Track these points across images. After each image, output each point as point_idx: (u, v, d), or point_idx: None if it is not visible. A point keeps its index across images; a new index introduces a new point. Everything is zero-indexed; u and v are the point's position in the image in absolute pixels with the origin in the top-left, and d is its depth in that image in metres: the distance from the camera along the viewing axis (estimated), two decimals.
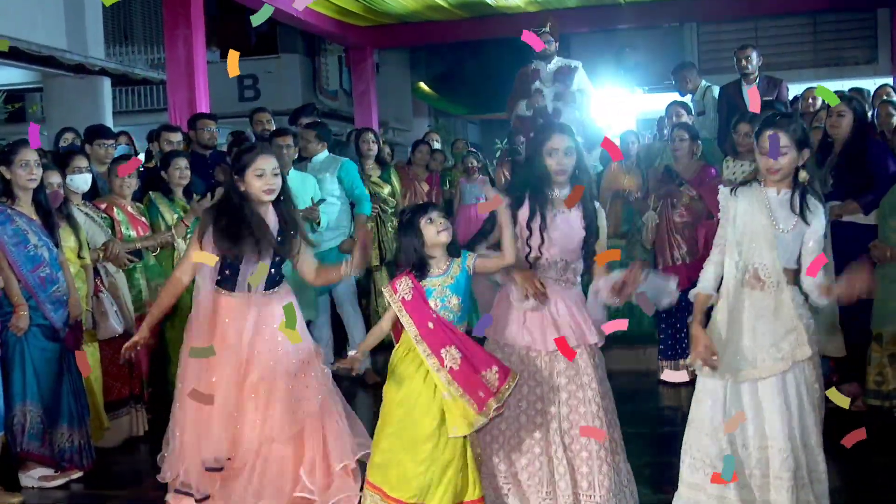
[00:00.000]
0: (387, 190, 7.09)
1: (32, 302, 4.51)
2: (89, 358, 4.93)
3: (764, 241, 3.25)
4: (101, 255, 5.14)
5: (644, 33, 13.85)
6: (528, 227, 3.53)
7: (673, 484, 3.58)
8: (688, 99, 7.79)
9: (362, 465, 3.67)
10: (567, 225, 3.53)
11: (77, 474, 4.63)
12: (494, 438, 3.53)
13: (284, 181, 3.75)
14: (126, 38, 16.82)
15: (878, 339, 5.11)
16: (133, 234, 5.42)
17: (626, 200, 7.42)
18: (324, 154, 6.47)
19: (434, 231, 3.37)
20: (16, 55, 8.97)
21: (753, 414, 3.30)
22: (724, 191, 3.39)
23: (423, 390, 3.33)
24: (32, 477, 4.57)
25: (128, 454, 5.12)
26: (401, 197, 7.40)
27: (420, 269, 3.40)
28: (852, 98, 5.42)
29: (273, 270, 3.73)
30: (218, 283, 3.71)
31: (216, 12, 13.68)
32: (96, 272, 5.14)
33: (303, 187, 6.03)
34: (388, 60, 18.01)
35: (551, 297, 3.50)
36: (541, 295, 3.42)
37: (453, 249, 3.43)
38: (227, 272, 3.70)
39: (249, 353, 3.65)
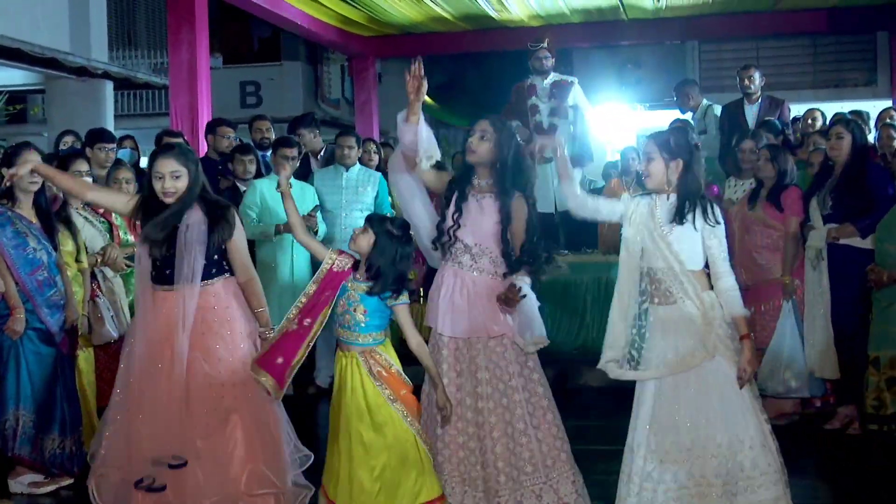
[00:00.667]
0: (390, 200, 7.08)
1: (29, 305, 4.47)
2: (83, 363, 4.92)
3: (654, 244, 3.40)
4: (98, 260, 5.10)
5: (646, 50, 13.86)
6: (443, 213, 3.69)
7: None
8: (688, 116, 7.78)
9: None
10: (479, 211, 3.63)
11: (67, 481, 4.57)
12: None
13: (196, 179, 3.72)
14: (129, 41, 16.80)
15: (874, 362, 5.07)
16: (131, 238, 5.37)
17: None
18: (357, 166, 6.53)
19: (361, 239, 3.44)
20: (18, 56, 8.93)
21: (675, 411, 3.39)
22: (625, 197, 3.59)
23: (353, 396, 3.39)
24: (22, 483, 4.52)
25: None
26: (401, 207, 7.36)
27: (356, 266, 3.48)
28: (850, 121, 5.42)
29: (206, 263, 3.68)
30: (152, 278, 3.73)
31: (219, 18, 13.67)
32: (93, 277, 5.10)
33: (302, 197, 6.06)
34: (390, 70, 17.99)
35: (461, 284, 3.61)
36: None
37: (386, 283, 3.41)
38: (159, 268, 3.71)
39: (191, 346, 3.62)
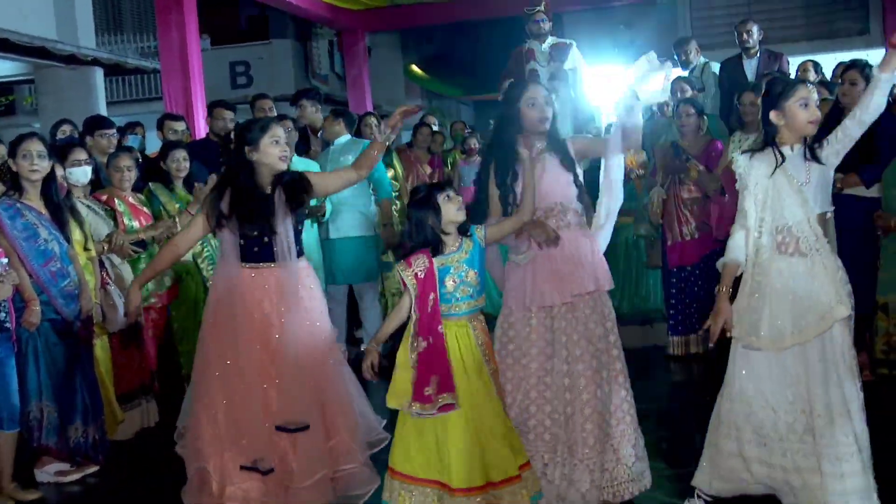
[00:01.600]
0: (390, 174, 7.04)
1: (44, 297, 4.44)
2: (99, 350, 4.91)
3: (790, 198, 3.30)
4: (105, 248, 5.08)
5: (638, 11, 13.77)
6: (507, 185, 3.64)
7: (689, 457, 3.58)
8: (685, 73, 7.73)
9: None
10: (552, 168, 3.65)
11: (92, 469, 4.58)
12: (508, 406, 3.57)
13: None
14: (115, 26, 16.63)
15: (884, 308, 5.12)
16: (136, 224, 5.36)
17: (628, 178, 7.38)
18: (346, 137, 6.47)
19: (453, 208, 3.37)
20: (6, 47, 8.83)
21: (794, 381, 3.32)
22: (740, 158, 3.43)
23: (461, 371, 3.34)
24: (48, 472, 4.53)
25: (140, 446, 5.08)
26: (403, 180, 7.36)
27: (435, 246, 3.38)
28: (865, 66, 5.34)
29: (294, 240, 3.72)
30: (242, 258, 3.69)
31: None
32: (101, 264, 5.08)
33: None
34: (380, 43, 17.89)
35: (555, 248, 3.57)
36: (553, 241, 3.51)
37: (462, 227, 3.44)
38: (251, 247, 3.68)
39: (281, 328, 3.65)
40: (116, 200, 5.36)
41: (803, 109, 3.30)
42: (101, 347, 4.93)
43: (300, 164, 6.09)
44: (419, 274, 3.33)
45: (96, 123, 6.11)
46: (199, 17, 8.73)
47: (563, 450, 3.57)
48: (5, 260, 4.27)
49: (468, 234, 3.44)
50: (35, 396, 4.43)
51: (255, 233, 3.65)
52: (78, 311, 4.58)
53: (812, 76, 7.19)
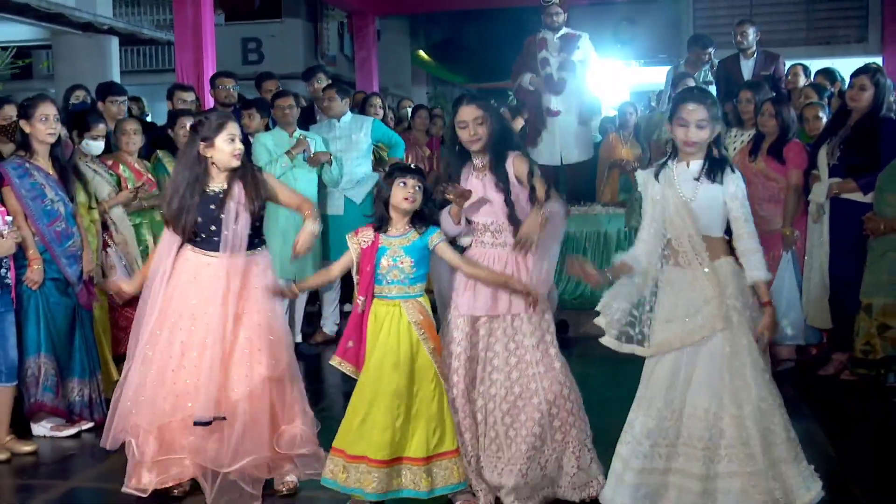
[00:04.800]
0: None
1: (47, 256, 4.41)
2: (98, 311, 4.88)
3: (674, 212, 3.19)
4: (106, 208, 5.04)
5: (641, 7, 13.68)
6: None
7: None
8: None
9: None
10: (484, 190, 3.52)
11: (88, 424, 4.57)
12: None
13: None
14: None
15: (867, 309, 5.07)
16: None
17: (623, 170, 7.37)
18: (349, 114, 6.44)
19: (401, 195, 3.39)
20: (24, 12, 8.78)
21: (683, 385, 3.17)
22: (639, 172, 3.37)
23: (392, 345, 3.34)
24: (44, 427, 4.51)
25: None
26: (403, 161, 7.32)
27: (381, 223, 3.44)
28: (876, 71, 5.27)
29: (251, 233, 3.66)
30: (195, 243, 3.64)
31: None
32: (104, 227, 5.05)
33: (311, 146, 6.08)
34: (389, 28, 17.79)
35: (489, 261, 3.50)
36: (463, 194, 3.43)
37: (419, 221, 3.44)
38: (201, 235, 3.63)
39: (236, 312, 3.59)
40: (121, 166, 5.32)
41: (679, 129, 3.18)
42: (99, 308, 4.90)
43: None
44: (363, 244, 3.43)
45: (108, 89, 6.09)
46: None
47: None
48: (10, 218, 4.24)
49: (423, 228, 3.42)
50: (34, 352, 4.41)
51: (208, 226, 3.59)
52: (80, 272, 4.55)
53: (802, 80, 7.17)
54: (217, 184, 3.65)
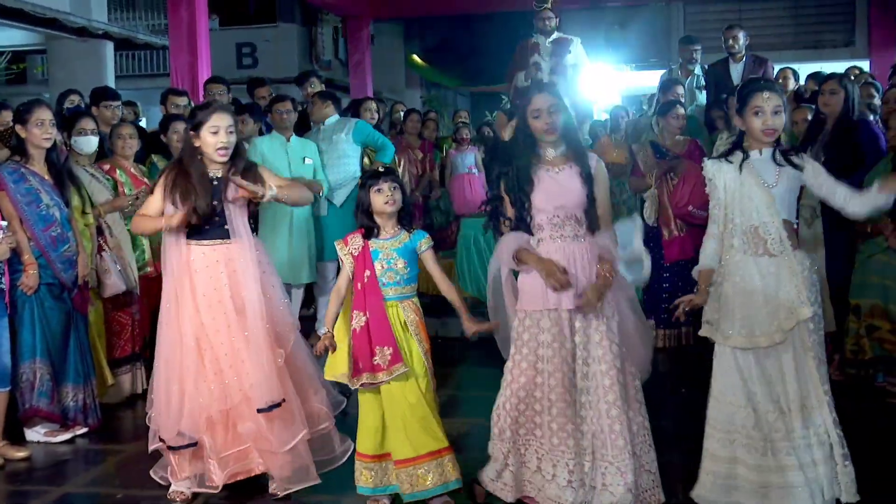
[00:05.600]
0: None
1: (42, 260, 4.38)
2: (93, 315, 4.85)
3: (758, 199, 3.21)
4: (102, 212, 5.01)
5: (633, 12, 13.70)
6: (520, 193, 3.35)
7: (663, 444, 3.49)
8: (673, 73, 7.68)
9: None
10: (567, 180, 3.35)
11: (81, 430, 4.53)
12: (507, 400, 3.36)
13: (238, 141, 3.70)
14: (128, 3, 16.47)
15: (855, 310, 5.11)
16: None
17: (614, 173, 7.35)
18: (335, 117, 6.41)
19: (381, 200, 3.40)
20: (20, 16, 8.73)
21: (770, 379, 3.24)
22: (709, 162, 3.34)
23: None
24: (38, 432, 4.47)
25: (129, 410, 5.03)
26: (396, 164, 7.30)
27: (368, 230, 3.44)
28: (843, 76, 5.34)
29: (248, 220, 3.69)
30: (188, 235, 3.63)
31: None
32: (99, 231, 5.01)
33: (303, 151, 6.10)
34: (383, 32, 17.77)
35: (571, 255, 3.31)
36: (565, 285, 3.25)
37: (405, 221, 3.47)
38: (199, 225, 3.61)
39: (238, 301, 3.60)
40: (118, 171, 5.30)
41: (756, 118, 3.21)
42: (94, 312, 4.87)
43: (297, 143, 6.08)
44: (354, 252, 3.42)
45: (102, 95, 6.05)
46: None
47: (580, 451, 3.27)
48: (5, 223, 4.20)
49: (409, 230, 3.44)
50: (29, 357, 4.38)
51: (201, 213, 3.58)
52: (75, 277, 4.52)
53: (791, 84, 7.19)
54: (212, 171, 3.66)
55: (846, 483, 3.22)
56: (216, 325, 3.58)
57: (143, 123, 7.68)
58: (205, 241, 3.64)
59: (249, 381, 3.54)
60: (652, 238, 6.33)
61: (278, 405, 3.53)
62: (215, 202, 3.60)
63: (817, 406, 3.22)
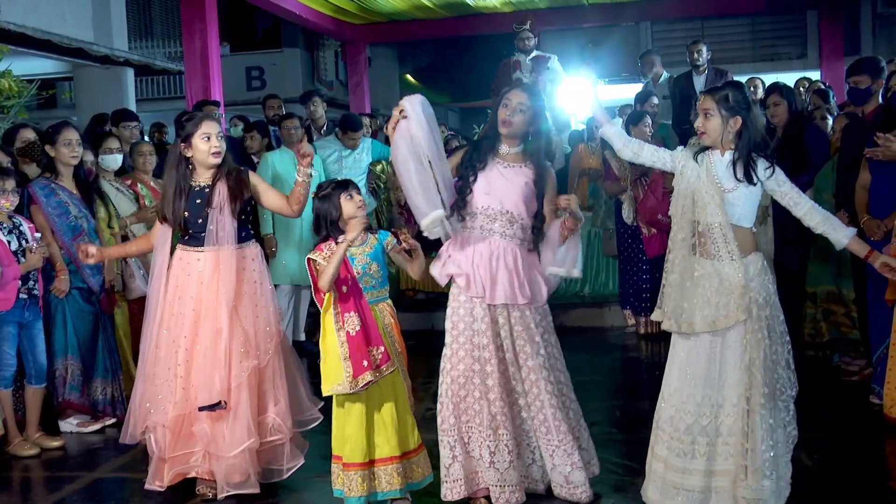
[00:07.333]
0: (378, 167, 7.02)
1: (72, 267, 4.40)
2: (119, 316, 4.87)
3: (709, 199, 2.96)
4: (129, 223, 5.02)
5: (605, 31, 13.72)
6: (468, 170, 3.21)
7: (637, 422, 3.43)
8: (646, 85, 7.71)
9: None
10: (514, 177, 3.22)
11: (111, 421, 4.53)
12: (444, 393, 3.24)
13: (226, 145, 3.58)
14: (147, 32, 16.46)
15: (812, 297, 5.15)
16: None
17: (591, 178, 7.38)
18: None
19: (353, 206, 3.18)
20: (48, 47, 8.72)
21: (708, 382, 2.97)
22: (681, 150, 3.12)
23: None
24: (71, 423, 4.49)
25: None
26: (390, 173, 7.32)
27: (336, 237, 3.19)
28: (783, 88, 5.36)
29: (238, 227, 3.50)
30: (185, 241, 3.54)
31: (226, 9, 13.38)
32: (125, 239, 5.01)
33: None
34: (379, 54, 17.77)
35: (496, 250, 3.19)
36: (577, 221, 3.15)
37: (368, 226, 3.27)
38: (190, 232, 3.52)
39: (200, 308, 3.45)
40: (139, 185, 5.31)
41: (699, 118, 3.01)
42: (121, 313, 4.89)
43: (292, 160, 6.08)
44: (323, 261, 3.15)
45: (121, 116, 6.08)
46: (220, 26, 8.66)
47: (519, 434, 3.21)
48: (38, 234, 4.21)
49: (376, 233, 3.26)
50: (62, 355, 4.41)
51: (196, 220, 3.48)
52: (102, 281, 4.53)
53: (760, 93, 7.19)
54: (202, 180, 3.52)
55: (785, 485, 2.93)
56: (179, 328, 3.45)
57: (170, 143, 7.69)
58: (188, 247, 3.52)
59: (192, 380, 3.42)
60: (631, 235, 6.36)
61: (220, 405, 3.36)
62: (207, 209, 3.47)
63: (756, 411, 2.89)
